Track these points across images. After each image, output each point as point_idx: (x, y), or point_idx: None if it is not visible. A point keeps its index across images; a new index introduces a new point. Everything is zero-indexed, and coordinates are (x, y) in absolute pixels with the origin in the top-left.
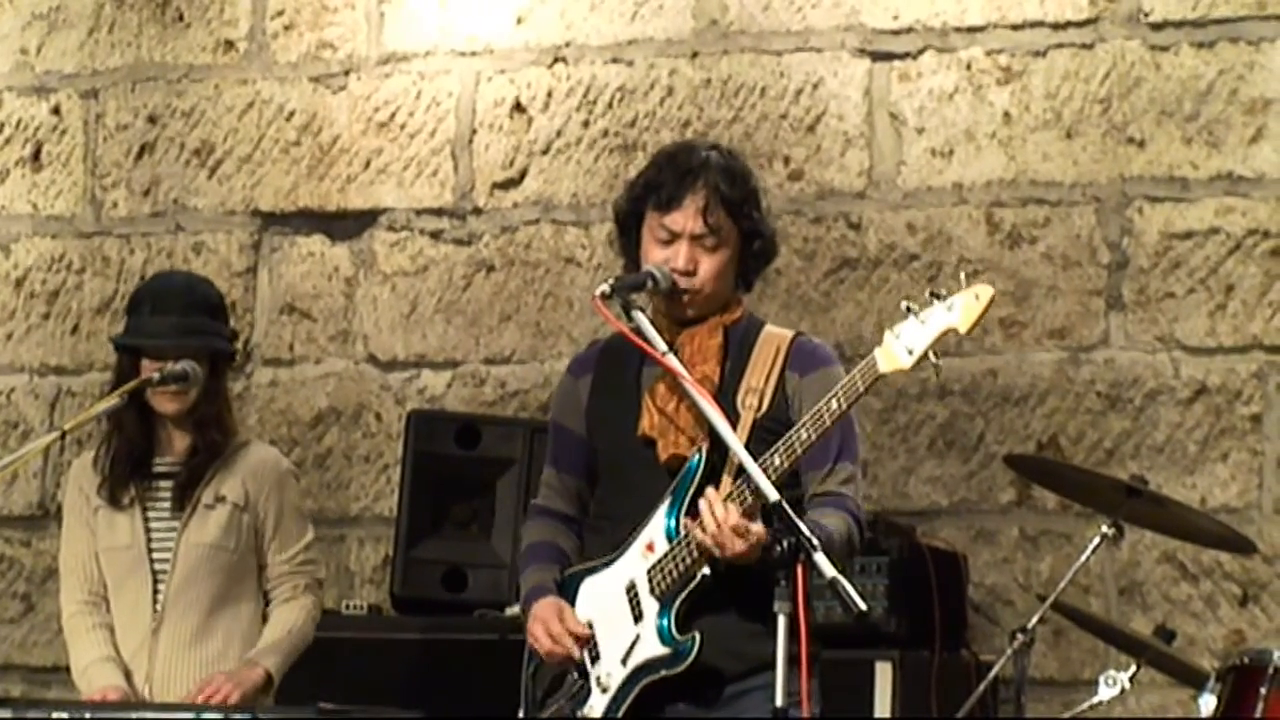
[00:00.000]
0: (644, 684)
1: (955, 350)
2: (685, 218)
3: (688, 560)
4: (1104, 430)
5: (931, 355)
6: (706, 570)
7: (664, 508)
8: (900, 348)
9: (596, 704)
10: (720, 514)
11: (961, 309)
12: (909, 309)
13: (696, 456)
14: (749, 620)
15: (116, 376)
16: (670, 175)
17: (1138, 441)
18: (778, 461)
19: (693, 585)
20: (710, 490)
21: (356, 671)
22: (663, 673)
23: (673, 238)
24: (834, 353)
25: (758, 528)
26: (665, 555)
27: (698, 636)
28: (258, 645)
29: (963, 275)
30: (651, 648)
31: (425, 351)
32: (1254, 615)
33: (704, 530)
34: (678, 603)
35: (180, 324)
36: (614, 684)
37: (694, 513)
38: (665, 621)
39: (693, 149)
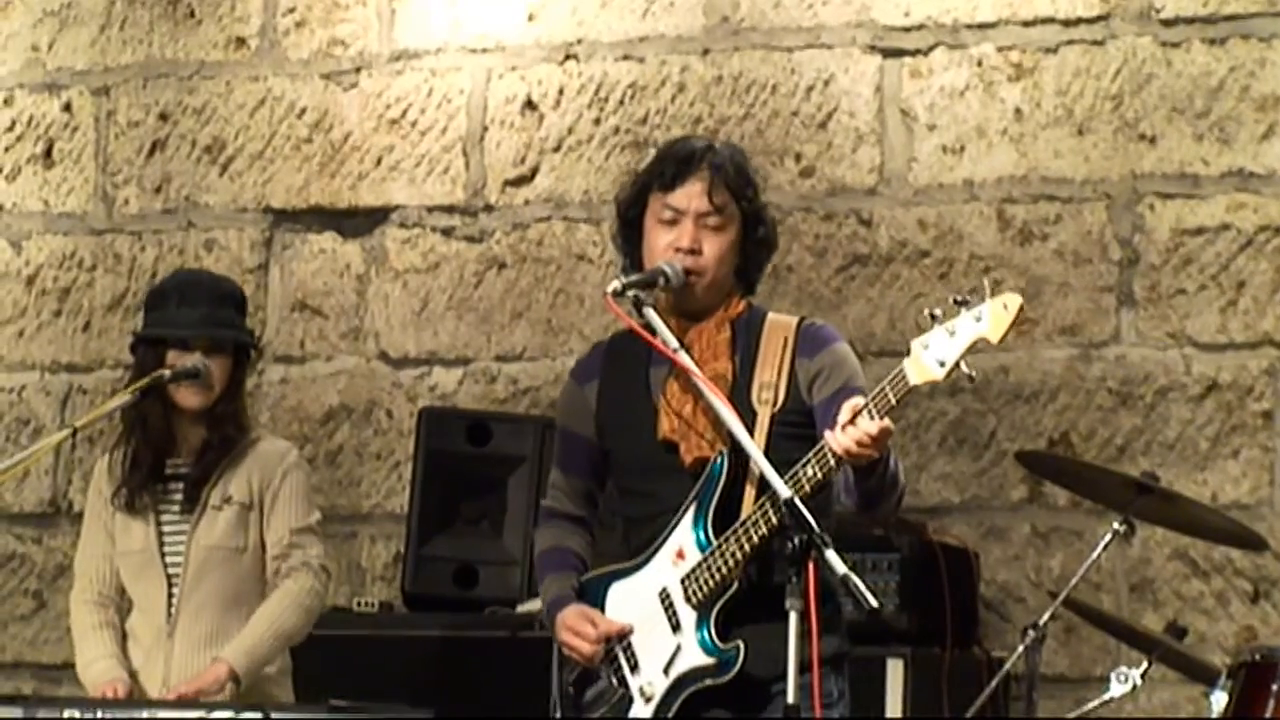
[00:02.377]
0: (689, 693)
1: None
2: (689, 196)
3: (724, 570)
4: (1115, 427)
5: (963, 365)
6: (739, 579)
7: (690, 515)
8: (931, 359)
9: (640, 713)
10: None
11: (991, 319)
12: (934, 317)
13: (719, 460)
14: (782, 622)
15: (138, 371)
16: (673, 158)
17: (1149, 438)
18: (811, 472)
19: (729, 594)
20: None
21: (368, 668)
22: (708, 682)
23: (676, 217)
24: (838, 331)
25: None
26: (699, 565)
27: (742, 646)
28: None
29: (985, 283)
30: (695, 658)
31: (436, 348)
32: (1265, 612)
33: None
34: (715, 611)
35: (210, 316)
36: (657, 693)
37: (720, 520)
38: (705, 632)
39: (693, 137)
